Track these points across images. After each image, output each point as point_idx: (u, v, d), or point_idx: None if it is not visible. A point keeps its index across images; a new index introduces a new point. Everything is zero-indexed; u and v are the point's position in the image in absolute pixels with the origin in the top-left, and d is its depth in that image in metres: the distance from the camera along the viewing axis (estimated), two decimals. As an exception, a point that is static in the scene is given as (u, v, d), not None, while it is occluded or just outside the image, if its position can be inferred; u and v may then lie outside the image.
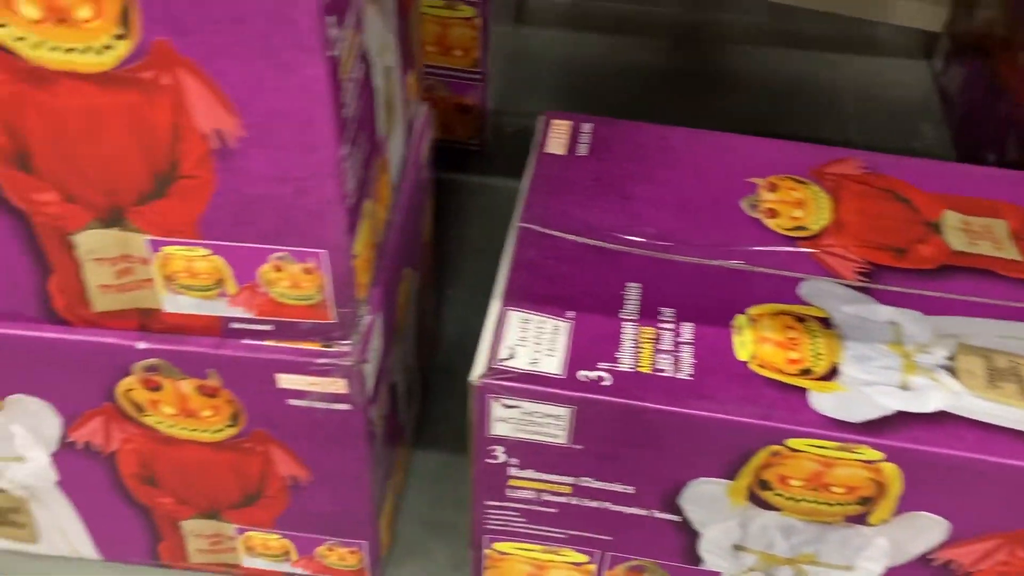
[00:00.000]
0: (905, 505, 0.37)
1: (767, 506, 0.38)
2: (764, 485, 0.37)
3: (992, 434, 0.35)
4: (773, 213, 0.43)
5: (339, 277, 0.35)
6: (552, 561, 0.43)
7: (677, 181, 0.44)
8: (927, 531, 0.38)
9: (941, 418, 0.36)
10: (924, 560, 0.39)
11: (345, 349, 0.37)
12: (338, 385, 0.37)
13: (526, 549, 0.42)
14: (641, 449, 0.37)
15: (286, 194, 0.32)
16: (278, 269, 0.34)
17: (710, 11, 0.86)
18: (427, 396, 0.56)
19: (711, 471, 0.37)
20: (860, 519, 0.38)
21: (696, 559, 0.41)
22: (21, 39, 0.28)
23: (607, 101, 0.75)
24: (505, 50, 0.75)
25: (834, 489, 0.37)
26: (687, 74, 0.79)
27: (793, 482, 0.37)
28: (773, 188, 0.44)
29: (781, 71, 0.80)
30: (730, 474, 0.37)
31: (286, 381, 0.37)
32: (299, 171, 0.31)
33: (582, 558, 0.42)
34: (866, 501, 0.37)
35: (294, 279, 0.35)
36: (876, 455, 0.35)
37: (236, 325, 0.36)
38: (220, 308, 0.36)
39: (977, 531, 0.37)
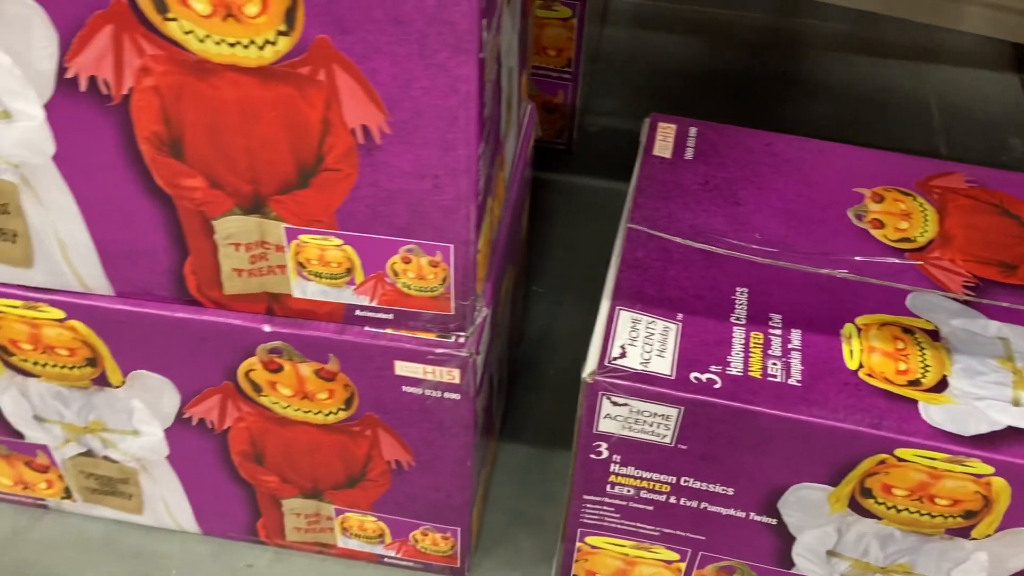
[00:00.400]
0: (1010, 520, 0.37)
1: (867, 514, 0.38)
2: (866, 493, 0.38)
3: (1105, 454, 0.35)
4: (879, 224, 0.43)
5: (462, 270, 0.36)
6: (642, 557, 0.43)
7: (784, 188, 0.44)
8: (1030, 547, 0.38)
9: (1052, 436, 0.36)
10: (1023, 576, 0.39)
11: (462, 340, 0.38)
12: (452, 375, 0.38)
13: (618, 544, 0.43)
14: (745, 452, 0.38)
15: (423, 189, 0.33)
16: (407, 261, 0.36)
17: (794, 17, 0.85)
18: (512, 389, 0.57)
19: (814, 477, 0.38)
20: (962, 532, 0.38)
21: (788, 563, 0.41)
22: (190, 32, 0.30)
23: (688, 104, 0.76)
24: (589, 50, 0.75)
25: (939, 501, 0.37)
26: (769, 79, 0.79)
27: (897, 491, 0.37)
28: (879, 199, 0.44)
29: (865, 79, 0.79)
30: (833, 480, 0.38)
31: (403, 368, 0.38)
32: (438, 167, 0.32)
33: (673, 556, 0.43)
34: (970, 515, 0.37)
35: (420, 271, 0.36)
36: (986, 469, 0.35)
37: (359, 313, 0.38)
38: (346, 296, 0.37)
39: (1081, 550, 0.37)
